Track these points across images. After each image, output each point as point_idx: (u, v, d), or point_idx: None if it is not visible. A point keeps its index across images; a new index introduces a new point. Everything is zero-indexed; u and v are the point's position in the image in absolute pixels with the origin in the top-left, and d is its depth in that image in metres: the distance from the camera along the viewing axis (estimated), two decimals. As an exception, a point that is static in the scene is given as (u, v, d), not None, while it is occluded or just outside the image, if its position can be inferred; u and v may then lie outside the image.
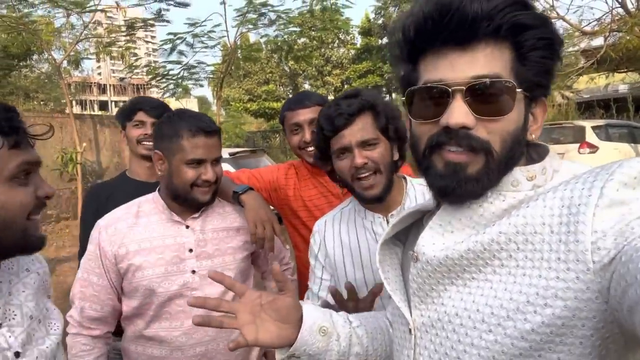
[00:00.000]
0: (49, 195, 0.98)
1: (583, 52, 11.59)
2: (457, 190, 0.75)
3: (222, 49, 14.35)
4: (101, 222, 1.66)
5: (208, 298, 1.00)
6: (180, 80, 13.22)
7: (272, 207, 1.96)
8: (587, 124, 9.98)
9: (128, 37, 12.99)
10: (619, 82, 16.28)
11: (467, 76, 0.73)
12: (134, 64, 13.52)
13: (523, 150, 0.79)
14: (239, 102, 27.76)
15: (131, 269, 1.58)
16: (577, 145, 9.51)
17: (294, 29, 13.66)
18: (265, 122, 29.74)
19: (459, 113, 0.73)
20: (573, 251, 0.63)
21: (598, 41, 11.20)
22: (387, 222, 1.49)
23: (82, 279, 1.63)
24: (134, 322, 1.64)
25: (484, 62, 0.73)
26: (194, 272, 1.61)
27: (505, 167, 0.76)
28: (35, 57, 16.58)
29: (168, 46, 12.02)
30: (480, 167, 0.74)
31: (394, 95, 27.85)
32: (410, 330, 0.85)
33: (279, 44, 13.81)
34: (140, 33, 13.62)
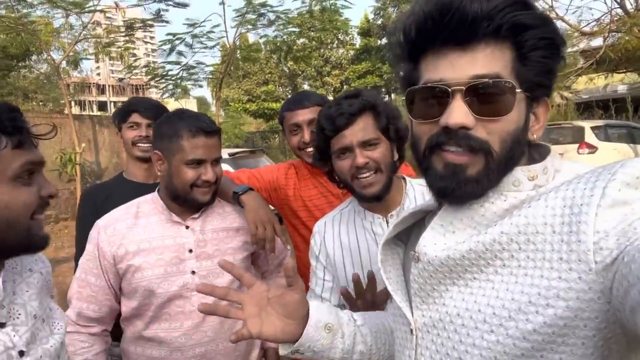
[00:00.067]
0: (52, 195, 0.98)
1: (582, 52, 11.61)
2: (456, 191, 0.75)
3: (221, 49, 14.35)
4: (100, 223, 1.66)
5: (216, 286, 1.00)
6: (179, 81, 13.22)
7: (272, 207, 1.95)
8: (586, 125, 10.00)
9: (127, 38, 12.98)
10: (618, 83, 16.29)
11: (467, 76, 0.73)
12: (133, 65, 13.52)
13: (524, 151, 0.79)
14: (238, 102, 27.77)
15: (130, 270, 1.58)
16: (576, 145, 9.52)
17: (293, 29, 13.66)
18: (264, 122, 29.75)
19: (458, 113, 0.73)
20: (575, 251, 0.63)
21: (597, 42, 11.22)
22: (387, 222, 1.49)
23: (80, 279, 1.63)
24: (133, 323, 1.64)
25: (484, 62, 0.73)
26: (193, 272, 1.60)
27: (505, 167, 0.75)
28: (34, 57, 16.57)
29: (167, 47, 12.01)
30: (480, 168, 0.74)
31: (393, 95, 27.85)
32: (411, 330, 0.85)
33: (278, 44, 13.81)
34: (139, 33, 13.62)
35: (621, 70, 13.63)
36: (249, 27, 12.61)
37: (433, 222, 0.82)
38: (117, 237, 1.60)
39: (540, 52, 0.73)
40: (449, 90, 0.74)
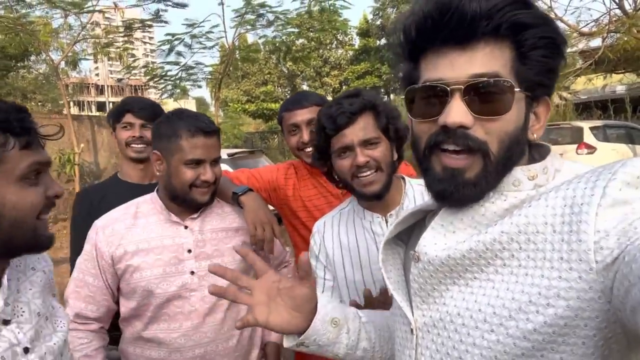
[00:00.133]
0: (58, 195, 0.99)
1: (581, 53, 11.63)
2: (454, 194, 0.76)
3: (220, 49, 14.36)
4: (98, 223, 1.65)
5: (228, 268, 1.00)
6: (178, 81, 13.22)
7: (271, 207, 1.95)
8: (585, 125, 10.02)
9: (126, 38, 12.98)
10: (617, 83, 16.32)
11: (466, 75, 0.73)
12: (132, 65, 13.52)
13: (524, 150, 0.79)
14: (237, 103, 27.78)
15: (129, 270, 1.58)
16: (575, 146, 9.54)
17: (292, 29, 13.67)
18: (263, 123, 29.76)
19: (456, 112, 0.73)
20: (575, 251, 0.63)
21: (596, 42, 11.24)
22: (386, 221, 1.49)
23: (78, 279, 1.62)
24: (132, 324, 1.63)
25: (483, 61, 0.73)
26: (192, 273, 1.60)
27: (503, 168, 0.75)
28: (32, 57, 16.56)
29: (166, 47, 12.01)
30: (478, 171, 0.74)
31: (392, 96, 27.87)
32: (412, 330, 0.85)
33: (277, 44, 13.81)
34: (138, 34, 13.61)
35: (620, 71, 13.66)
36: (248, 27, 12.61)
37: (433, 222, 0.82)
38: (115, 238, 1.60)
39: (540, 51, 0.73)
40: (448, 89, 0.74)
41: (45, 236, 0.99)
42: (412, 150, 0.84)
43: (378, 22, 28.05)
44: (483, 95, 0.73)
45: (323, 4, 12.64)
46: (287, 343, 1.01)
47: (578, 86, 13.93)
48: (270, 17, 12.27)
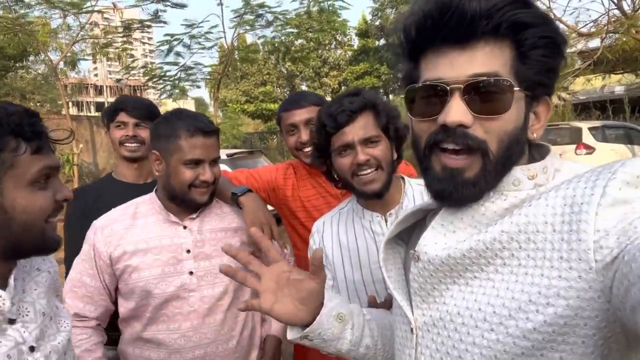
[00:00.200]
0: (67, 199, 1.01)
1: (579, 53, 11.65)
2: (454, 194, 0.76)
3: (219, 50, 14.37)
4: (97, 223, 1.65)
5: (240, 249, 1.00)
6: (177, 82, 13.23)
7: (270, 207, 1.95)
8: (584, 125, 10.03)
9: (125, 39, 12.98)
10: (615, 84, 16.35)
11: (465, 74, 0.73)
12: (131, 65, 13.52)
13: (524, 150, 0.79)
14: (236, 103, 27.78)
15: (127, 270, 1.57)
16: (574, 146, 9.55)
17: (291, 30, 13.69)
18: (262, 123, 29.75)
19: (456, 111, 0.73)
20: (575, 250, 0.63)
21: (594, 42, 11.26)
22: (386, 221, 1.49)
23: (75, 280, 1.62)
24: (131, 325, 1.63)
25: (483, 60, 0.73)
26: (191, 273, 1.60)
27: (503, 167, 0.76)
28: (31, 58, 16.55)
29: (165, 47, 12.02)
30: (477, 170, 0.75)
31: (391, 96, 27.89)
32: (412, 329, 0.85)
33: (276, 45, 13.82)
34: (136, 34, 13.62)
35: (618, 71, 13.69)
36: (247, 27, 12.63)
37: (434, 222, 0.82)
38: (114, 238, 1.60)
39: (540, 50, 0.73)
40: (448, 88, 0.74)
41: (53, 239, 1.00)
42: (413, 150, 0.84)
43: (377, 23, 28.07)
44: (483, 95, 0.73)
45: (322, 4, 12.66)
46: (291, 335, 1.00)
47: (577, 86, 13.95)
48: (269, 17, 12.29)
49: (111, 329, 1.73)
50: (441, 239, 0.80)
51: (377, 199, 1.45)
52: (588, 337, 0.63)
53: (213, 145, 1.59)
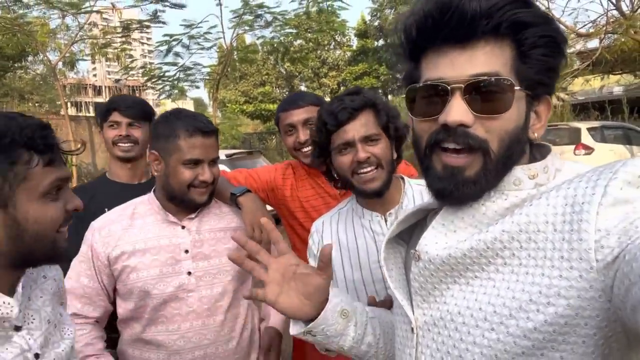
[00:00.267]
0: (77, 209, 1.02)
1: (578, 54, 11.67)
2: (454, 193, 0.76)
3: (218, 50, 14.37)
4: (95, 224, 1.65)
5: (250, 240, 1.00)
6: (176, 82, 13.24)
7: (269, 208, 1.95)
8: (583, 126, 10.05)
9: (123, 39, 12.98)
10: (614, 84, 16.38)
11: (466, 74, 0.73)
12: (130, 66, 13.52)
13: (524, 149, 0.79)
14: (235, 103, 27.78)
15: (126, 271, 1.57)
16: (573, 146, 9.57)
17: (290, 30, 13.70)
18: (261, 123, 29.77)
19: (457, 111, 0.73)
20: (576, 250, 0.63)
21: (593, 43, 11.28)
22: (385, 220, 1.49)
23: (73, 280, 1.61)
24: (130, 326, 1.62)
25: (483, 60, 0.73)
26: (189, 273, 1.59)
27: (503, 167, 0.76)
28: (30, 58, 16.55)
29: (164, 48, 12.03)
30: (478, 169, 0.75)
31: (389, 97, 27.92)
32: (412, 329, 0.85)
33: (275, 45, 13.83)
34: (135, 34, 13.62)
35: (617, 72, 13.72)
36: (246, 28, 12.64)
37: (434, 222, 0.82)
38: (112, 239, 1.59)
39: (540, 50, 0.73)
40: (448, 88, 0.74)
41: (63, 248, 1.01)
42: (414, 149, 0.84)
43: (376, 23, 28.10)
44: (483, 94, 0.73)
45: (321, 4, 12.67)
46: (294, 330, 1.00)
47: (575, 87, 13.98)
48: (268, 17, 12.31)
49: (110, 330, 1.72)
50: (442, 238, 0.80)
51: (377, 198, 1.45)
52: (589, 337, 0.63)
53: (212, 146, 1.59)
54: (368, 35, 28.29)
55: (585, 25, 11.17)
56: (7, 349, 0.92)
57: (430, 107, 0.78)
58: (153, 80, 13.21)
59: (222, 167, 1.86)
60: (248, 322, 1.73)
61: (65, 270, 1.68)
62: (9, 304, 0.91)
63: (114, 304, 1.67)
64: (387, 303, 1.27)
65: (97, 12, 12.03)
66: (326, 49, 28.44)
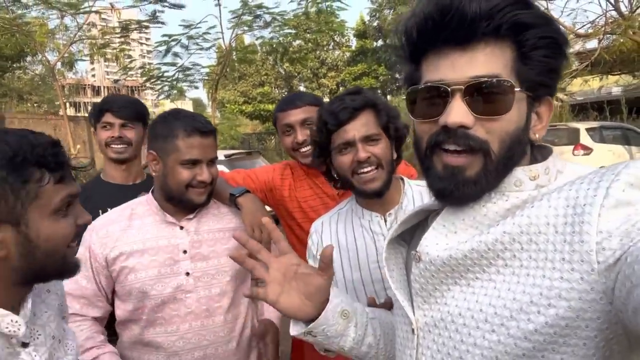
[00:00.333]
0: (87, 224, 1.04)
1: (577, 54, 11.69)
2: (455, 192, 0.76)
3: (217, 50, 14.37)
4: (93, 225, 1.64)
5: (251, 239, 0.99)
6: (175, 82, 13.23)
7: (268, 208, 1.94)
8: (581, 126, 10.08)
9: (122, 39, 12.98)
10: (613, 85, 16.41)
11: (466, 76, 0.73)
12: (129, 66, 13.51)
13: (525, 150, 0.79)
14: (234, 104, 27.78)
15: (124, 272, 1.56)
16: (572, 147, 9.59)
17: (289, 31, 13.71)
18: (260, 124, 29.77)
19: (457, 112, 0.73)
20: (578, 251, 0.63)
21: (592, 44, 11.30)
22: (385, 221, 1.49)
23: (72, 282, 1.60)
24: (129, 327, 1.62)
25: (484, 61, 0.73)
26: (188, 274, 1.59)
27: (504, 168, 0.75)
28: (28, 58, 16.55)
29: (163, 48, 12.03)
30: (478, 169, 0.75)
31: (388, 97, 27.93)
32: (413, 330, 0.85)
33: (274, 46, 13.84)
34: (134, 35, 13.61)
35: (616, 72, 13.74)
36: (245, 28, 12.64)
37: (435, 223, 0.82)
38: (110, 239, 1.58)
39: (541, 51, 0.73)
40: (449, 89, 0.74)
41: (73, 263, 1.03)
42: (414, 150, 0.84)
43: (375, 24, 28.11)
44: (484, 96, 0.73)
45: (320, 5, 12.67)
46: (295, 330, 1.00)
47: (574, 87, 14.00)
48: (267, 18, 12.31)
49: (109, 333, 1.71)
50: (442, 239, 0.80)
51: (377, 198, 1.45)
52: (589, 339, 0.63)
53: (210, 146, 1.59)
54: (367, 36, 28.30)
55: (584, 25, 11.18)
56: None
57: (431, 108, 0.77)
58: (152, 80, 13.20)
59: (221, 167, 1.86)
60: (248, 322, 1.72)
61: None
62: (16, 322, 0.92)
63: (112, 305, 1.66)
64: (387, 305, 1.27)
65: (96, 12, 12.03)
66: (325, 49, 28.45)
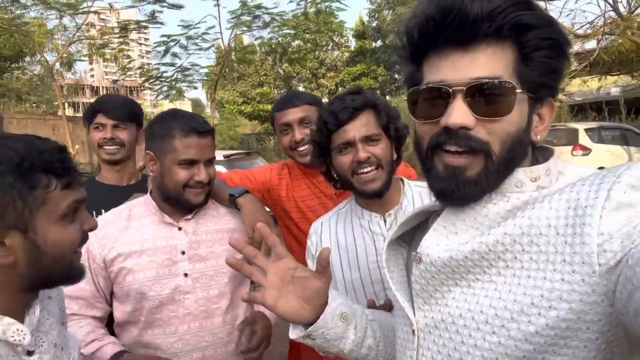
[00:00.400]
0: (93, 229, 1.04)
1: (576, 55, 11.69)
2: (456, 193, 0.76)
3: (216, 51, 14.36)
4: None
5: (248, 245, 0.99)
6: (173, 83, 13.22)
7: (267, 209, 1.94)
8: (580, 127, 10.11)
9: (121, 39, 12.97)
10: (611, 85, 16.43)
11: (467, 77, 0.73)
12: (127, 66, 13.50)
13: (526, 152, 0.79)
14: (233, 104, 27.79)
15: (122, 273, 1.56)
16: (570, 147, 9.61)
17: (288, 31, 13.70)
18: (259, 124, 29.76)
19: (458, 113, 0.73)
20: (579, 253, 0.63)
21: (590, 44, 11.31)
22: (385, 221, 1.49)
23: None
24: (127, 329, 1.61)
25: (485, 62, 0.73)
26: (186, 275, 1.58)
27: (505, 169, 0.75)
28: (27, 59, 16.54)
29: (161, 48, 12.02)
30: (479, 169, 0.74)
31: (387, 97, 27.94)
32: (413, 331, 0.85)
33: (273, 46, 13.84)
34: (133, 35, 13.61)
35: (614, 73, 13.75)
36: (244, 28, 12.64)
37: (436, 224, 0.82)
38: (108, 241, 1.58)
39: (543, 52, 0.72)
40: (450, 90, 0.74)
41: (78, 269, 1.03)
42: (415, 151, 0.84)
43: (374, 24, 28.13)
44: (485, 97, 0.73)
45: (319, 5, 12.67)
46: (294, 334, 1.00)
47: (573, 88, 14.01)
48: (266, 18, 12.31)
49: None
50: (443, 240, 0.80)
51: (376, 199, 1.45)
52: (590, 341, 0.63)
53: (208, 146, 1.58)
54: (366, 36, 28.33)
55: (583, 26, 11.19)
56: None
57: (432, 109, 0.77)
58: (151, 81, 13.19)
59: (219, 168, 1.86)
60: (247, 323, 1.72)
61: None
62: (22, 331, 0.92)
63: (112, 307, 1.66)
64: (387, 306, 1.26)
65: (95, 12, 12.01)
66: (324, 49, 28.46)
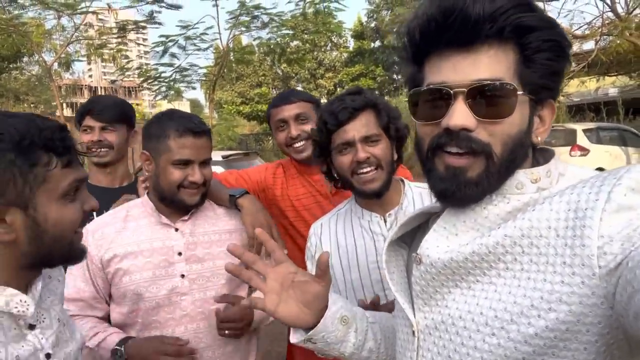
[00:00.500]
0: (93, 209, 1.03)
1: (574, 55, 11.72)
2: (456, 193, 0.76)
3: (214, 51, 14.36)
4: (89, 227, 1.62)
5: (246, 251, 0.99)
6: (172, 83, 13.22)
7: (265, 209, 1.93)
8: (578, 127, 10.13)
9: (119, 40, 12.96)
10: (609, 86, 16.48)
11: (469, 79, 0.73)
12: (126, 67, 13.49)
13: (527, 153, 0.79)
14: (231, 104, 27.81)
15: (118, 274, 1.55)
16: (569, 148, 9.63)
17: (287, 31, 13.71)
18: (257, 125, 29.79)
19: (459, 115, 0.73)
20: (579, 255, 0.62)
21: (589, 45, 11.34)
22: (385, 221, 1.49)
23: (70, 285, 1.59)
24: (125, 331, 1.60)
25: (487, 64, 0.72)
26: (183, 276, 1.58)
27: (506, 170, 0.75)
28: (25, 59, 16.51)
29: (160, 48, 12.02)
30: (480, 170, 0.74)
31: (386, 98, 27.97)
32: (413, 332, 0.85)
33: (271, 46, 13.84)
34: (131, 35, 13.60)
35: (612, 74, 13.80)
36: (243, 29, 12.64)
37: (436, 225, 0.82)
38: (105, 241, 1.57)
39: (544, 54, 0.72)
40: (451, 92, 0.74)
41: (79, 249, 1.03)
42: (416, 152, 0.84)
43: (372, 25, 28.16)
44: (486, 99, 0.73)
45: (318, 6, 12.67)
46: (295, 338, 0.99)
47: (571, 89, 14.04)
48: (265, 19, 12.32)
49: None
50: (443, 241, 0.79)
51: (376, 199, 1.45)
52: (590, 344, 0.63)
53: (203, 146, 1.58)
54: (364, 37, 28.38)
55: (581, 27, 11.24)
56: (22, 346, 0.94)
57: (433, 110, 0.77)
58: (149, 81, 13.19)
59: (218, 168, 1.85)
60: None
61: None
62: (25, 302, 0.92)
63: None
64: (389, 306, 1.26)
65: (93, 12, 12.00)
66: (323, 50, 28.51)
